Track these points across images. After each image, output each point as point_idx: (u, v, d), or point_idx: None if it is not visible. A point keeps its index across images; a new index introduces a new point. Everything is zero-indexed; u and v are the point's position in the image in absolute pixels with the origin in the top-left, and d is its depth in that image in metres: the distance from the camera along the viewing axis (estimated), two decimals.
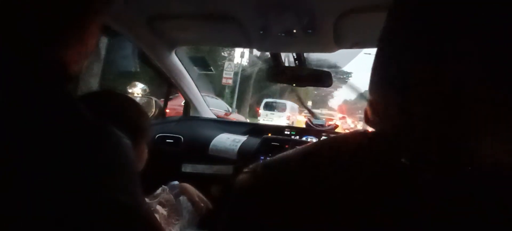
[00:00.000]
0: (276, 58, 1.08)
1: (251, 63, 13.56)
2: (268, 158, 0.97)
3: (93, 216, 0.37)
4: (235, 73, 11.70)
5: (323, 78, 1.10)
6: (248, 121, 6.39)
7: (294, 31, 0.83)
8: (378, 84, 0.29)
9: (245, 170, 0.34)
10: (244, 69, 13.67)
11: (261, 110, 9.75)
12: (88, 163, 0.38)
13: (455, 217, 0.24)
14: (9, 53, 0.39)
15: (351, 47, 0.94)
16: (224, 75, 9.86)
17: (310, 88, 17.45)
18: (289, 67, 1.09)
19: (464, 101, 0.22)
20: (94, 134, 0.40)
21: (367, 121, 0.31)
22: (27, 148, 0.36)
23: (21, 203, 0.35)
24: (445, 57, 0.22)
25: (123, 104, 0.65)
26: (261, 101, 11.25)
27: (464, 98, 0.22)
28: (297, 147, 0.33)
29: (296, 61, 1.11)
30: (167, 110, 1.59)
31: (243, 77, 13.41)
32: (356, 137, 0.32)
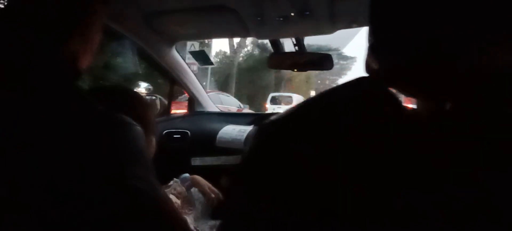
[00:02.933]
0: (275, 45, 1.09)
1: (233, 50, 13.33)
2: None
3: (111, 202, 0.40)
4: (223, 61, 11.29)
5: (323, 61, 1.10)
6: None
7: (291, 14, 0.84)
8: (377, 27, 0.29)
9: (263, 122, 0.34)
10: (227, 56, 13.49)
11: (268, 105, 9.73)
12: (104, 152, 0.40)
13: (457, 168, 0.24)
14: (23, 53, 0.41)
15: (348, 26, 0.93)
16: (186, 60, 9.36)
17: (313, 77, 17.24)
18: (289, 53, 1.09)
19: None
20: (107, 123, 0.42)
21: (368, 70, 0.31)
22: (43, 140, 0.38)
23: (43, 192, 0.37)
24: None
25: (130, 98, 0.68)
26: (258, 93, 11.27)
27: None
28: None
29: (296, 47, 1.11)
30: (172, 109, 1.61)
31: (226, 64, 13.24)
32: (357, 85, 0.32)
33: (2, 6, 0.43)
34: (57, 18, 0.44)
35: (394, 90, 0.29)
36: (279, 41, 1.09)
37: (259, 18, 0.88)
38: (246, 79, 13.23)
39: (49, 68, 0.43)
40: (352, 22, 0.91)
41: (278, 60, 1.10)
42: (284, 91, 10.48)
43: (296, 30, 0.98)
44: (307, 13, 0.82)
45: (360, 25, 0.92)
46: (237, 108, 6.04)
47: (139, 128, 0.46)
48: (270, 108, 9.45)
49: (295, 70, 1.15)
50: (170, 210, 0.48)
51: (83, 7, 0.47)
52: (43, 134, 0.39)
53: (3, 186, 0.37)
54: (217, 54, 14.79)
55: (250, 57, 14.34)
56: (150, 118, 0.73)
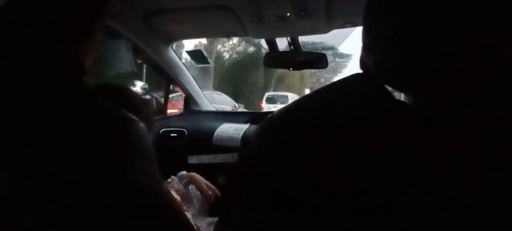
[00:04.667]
0: (271, 44, 1.10)
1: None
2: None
3: (117, 196, 0.41)
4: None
5: (318, 60, 1.13)
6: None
7: (288, 14, 0.86)
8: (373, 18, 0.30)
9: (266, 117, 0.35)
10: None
11: (263, 105, 9.69)
12: (110, 148, 0.41)
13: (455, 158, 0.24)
14: (30, 53, 0.42)
15: (342, 26, 0.96)
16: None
17: (307, 75, 17.25)
18: (284, 52, 1.11)
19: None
20: (113, 120, 0.43)
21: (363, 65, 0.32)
22: (54, 137, 0.39)
23: (55, 187, 0.39)
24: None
25: (131, 97, 0.69)
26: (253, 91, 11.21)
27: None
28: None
29: (291, 46, 1.13)
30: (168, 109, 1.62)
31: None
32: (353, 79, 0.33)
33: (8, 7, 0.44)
34: (63, 18, 0.45)
35: (388, 87, 0.29)
36: (275, 40, 1.11)
37: (256, 18, 0.89)
38: (235, 76, 13.08)
39: (57, 67, 0.45)
40: (347, 22, 0.93)
41: (274, 59, 1.12)
42: (278, 90, 10.50)
43: (292, 29, 1.00)
44: (303, 13, 0.84)
45: (354, 25, 0.95)
46: (231, 107, 5.97)
47: (143, 125, 0.47)
48: (265, 107, 9.41)
49: (291, 69, 1.17)
50: (174, 206, 0.50)
51: (88, 7, 0.49)
52: (55, 132, 0.40)
53: (17, 184, 0.38)
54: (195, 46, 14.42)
55: (238, 52, 14.20)
56: (150, 117, 0.74)
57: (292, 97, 9.85)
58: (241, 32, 1.04)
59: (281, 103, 9.54)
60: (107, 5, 0.51)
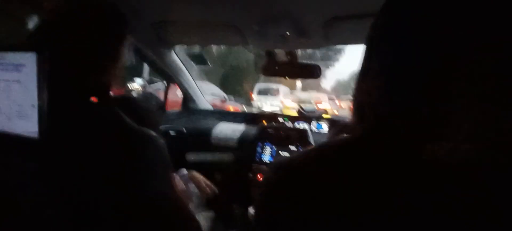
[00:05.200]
0: (270, 54, 1.18)
1: None
2: (266, 144, 1.07)
3: (140, 199, 0.50)
4: None
5: (312, 70, 1.21)
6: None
7: (288, 33, 0.93)
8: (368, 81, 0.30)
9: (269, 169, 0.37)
10: None
11: (254, 96, 9.55)
12: (135, 162, 0.50)
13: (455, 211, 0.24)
14: (65, 78, 0.49)
15: (336, 44, 1.05)
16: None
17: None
18: (281, 62, 1.19)
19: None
20: (138, 139, 0.51)
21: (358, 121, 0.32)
22: (91, 154, 0.47)
23: (86, 194, 0.47)
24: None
25: (144, 108, 0.76)
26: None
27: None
28: (307, 148, 0.36)
29: (288, 56, 1.21)
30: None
31: None
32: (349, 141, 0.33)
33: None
34: (95, 46, 0.52)
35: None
36: (274, 51, 1.18)
37: (258, 36, 0.97)
38: (224, 65, 12.77)
39: (92, 92, 0.52)
40: (339, 42, 1.02)
41: (272, 69, 1.19)
42: (268, 82, 10.41)
43: (290, 45, 1.08)
44: (303, 34, 0.92)
45: (346, 44, 1.04)
46: (221, 99, 5.84)
47: (162, 142, 0.56)
48: (256, 99, 9.39)
49: (287, 78, 1.25)
50: (186, 209, 0.60)
51: (114, 35, 0.56)
52: (95, 147, 0.48)
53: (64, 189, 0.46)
54: None
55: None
56: (158, 125, 0.82)
57: (283, 90, 9.85)
58: (242, 43, 1.11)
59: (272, 95, 9.44)
60: (126, 36, 0.58)
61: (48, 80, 0.45)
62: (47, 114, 0.44)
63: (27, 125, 0.45)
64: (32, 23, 0.54)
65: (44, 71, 0.44)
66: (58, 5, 0.55)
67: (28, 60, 0.44)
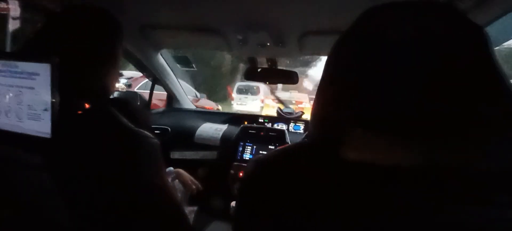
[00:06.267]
0: (252, 60, 1.28)
1: None
2: (247, 144, 1.16)
3: (138, 194, 0.57)
4: None
5: (290, 76, 1.33)
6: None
7: (268, 44, 1.04)
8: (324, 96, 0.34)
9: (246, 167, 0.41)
10: None
11: (234, 95, 9.43)
12: (133, 160, 0.57)
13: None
14: (70, 84, 0.56)
15: (311, 54, 1.17)
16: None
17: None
18: (263, 69, 1.29)
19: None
20: (136, 139, 0.58)
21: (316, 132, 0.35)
22: (90, 151, 0.54)
23: (88, 189, 0.53)
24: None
25: (136, 106, 0.83)
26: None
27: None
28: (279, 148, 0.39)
29: (269, 63, 1.32)
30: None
31: None
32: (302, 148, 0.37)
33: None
34: (98, 54, 0.59)
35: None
36: (256, 57, 1.28)
37: (241, 43, 1.06)
38: (196, 60, 12.00)
39: (92, 95, 0.58)
40: (314, 52, 1.15)
41: (254, 73, 1.29)
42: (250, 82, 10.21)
43: (270, 53, 1.18)
44: (280, 44, 1.03)
45: (319, 54, 1.16)
46: (193, 98, 5.72)
47: (156, 141, 0.63)
48: (236, 98, 9.29)
49: (267, 83, 1.36)
50: (178, 203, 0.67)
51: (114, 43, 0.62)
52: (92, 147, 0.54)
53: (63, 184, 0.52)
54: None
55: None
56: (149, 124, 0.88)
57: (263, 89, 9.83)
58: (226, 49, 1.19)
59: (252, 94, 9.32)
60: (122, 42, 0.64)
61: (58, 87, 0.51)
62: (59, 117, 0.51)
63: (39, 126, 0.51)
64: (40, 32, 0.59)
65: (56, 79, 0.50)
66: (60, 14, 0.61)
67: (42, 70, 0.50)
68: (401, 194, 0.27)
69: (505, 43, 0.77)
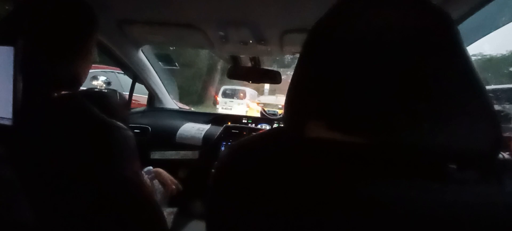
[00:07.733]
0: (235, 59, 1.27)
1: None
2: (229, 143, 1.15)
3: (108, 187, 0.55)
4: None
5: (274, 76, 1.34)
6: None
7: (250, 41, 1.04)
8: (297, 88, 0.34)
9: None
10: None
11: (219, 98, 9.31)
12: (103, 151, 0.55)
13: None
14: (37, 71, 0.53)
15: (293, 54, 1.18)
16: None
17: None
18: (246, 68, 1.29)
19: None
20: (107, 129, 0.56)
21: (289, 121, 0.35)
22: (58, 141, 0.51)
23: (56, 181, 0.51)
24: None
25: (113, 101, 0.80)
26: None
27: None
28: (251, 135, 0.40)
29: (252, 62, 1.32)
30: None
31: None
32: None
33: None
34: (68, 44, 0.56)
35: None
36: (239, 56, 1.28)
37: (223, 40, 1.05)
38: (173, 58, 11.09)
39: (60, 82, 0.56)
40: (295, 52, 1.16)
41: (237, 72, 1.29)
42: (236, 85, 10.10)
43: (253, 51, 1.18)
44: (262, 42, 1.03)
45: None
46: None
47: (129, 132, 0.61)
48: (221, 101, 9.19)
49: (250, 82, 1.36)
50: (151, 196, 0.65)
51: (86, 34, 0.60)
52: (60, 137, 0.52)
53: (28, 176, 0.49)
54: None
55: None
56: (127, 117, 0.85)
57: (249, 93, 9.82)
58: (208, 47, 1.18)
59: (238, 97, 9.23)
60: (96, 30, 0.62)
61: (22, 72, 0.48)
62: (21, 103, 0.48)
63: (1, 111, 0.48)
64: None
65: (19, 63, 0.47)
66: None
67: (4, 53, 0.47)
68: (362, 172, 0.27)
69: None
